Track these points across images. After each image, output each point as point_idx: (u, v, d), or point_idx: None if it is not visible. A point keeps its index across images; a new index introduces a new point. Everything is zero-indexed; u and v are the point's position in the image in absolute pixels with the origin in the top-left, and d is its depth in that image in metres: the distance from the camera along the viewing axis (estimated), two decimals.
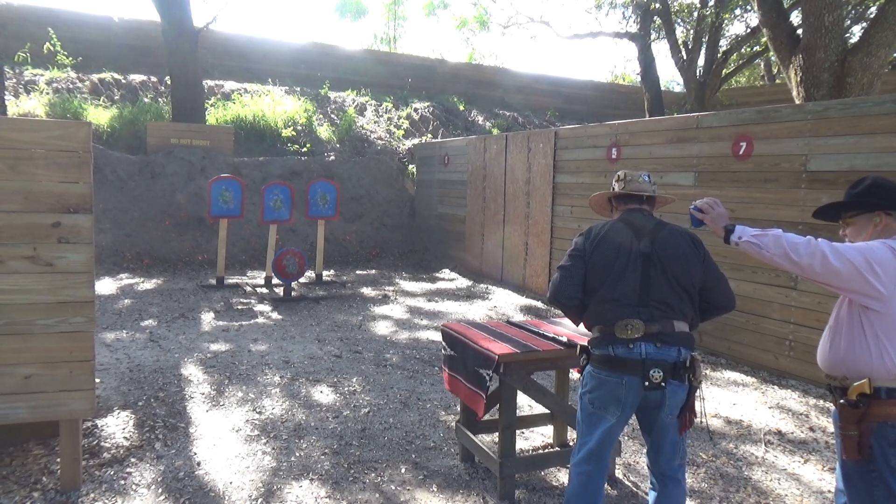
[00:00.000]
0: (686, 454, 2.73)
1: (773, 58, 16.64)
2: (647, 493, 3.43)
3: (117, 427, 4.07)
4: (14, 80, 12.52)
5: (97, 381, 4.72)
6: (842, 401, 2.20)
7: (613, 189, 2.92)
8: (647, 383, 2.53)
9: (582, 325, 2.83)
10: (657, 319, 2.57)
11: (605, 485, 3.58)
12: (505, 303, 8.53)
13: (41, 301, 3.12)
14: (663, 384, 2.53)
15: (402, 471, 3.68)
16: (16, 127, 3.08)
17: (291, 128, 13.51)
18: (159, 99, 13.72)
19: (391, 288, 9.38)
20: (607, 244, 2.70)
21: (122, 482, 3.40)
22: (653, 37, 15.84)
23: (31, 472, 3.43)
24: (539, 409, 4.35)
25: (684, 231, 2.75)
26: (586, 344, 2.77)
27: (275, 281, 8.84)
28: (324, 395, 4.86)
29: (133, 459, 3.66)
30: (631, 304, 2.59)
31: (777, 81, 18.33)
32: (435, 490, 3.47)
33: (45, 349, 3.15)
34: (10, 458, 3.56)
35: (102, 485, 3.36)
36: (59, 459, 3.38)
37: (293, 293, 8.27)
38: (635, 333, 2.55)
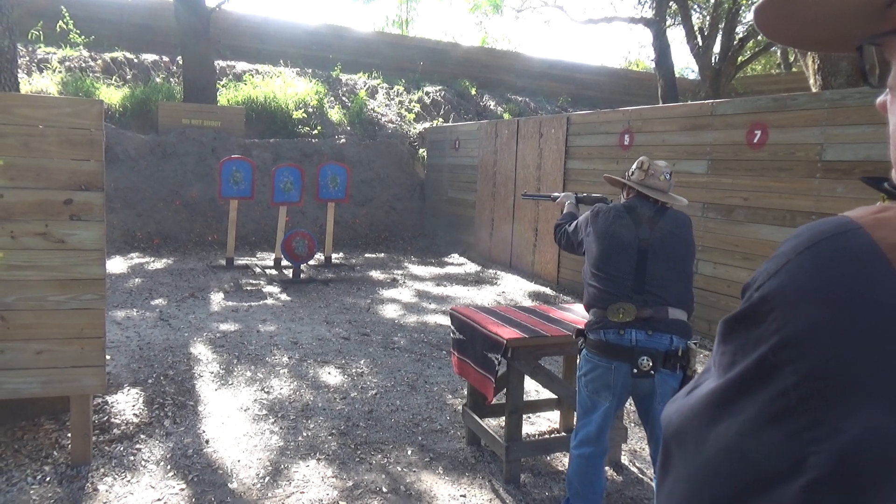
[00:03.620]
0: None
1: None
2: (652, 479, 3.43)
3: (127, 404, 4.11)
4: (27, 58, 12.54)
5: (108, 358, 4.76)
6: None
7: (633, 175, 2.93)
8: (635, 370, 2.56)
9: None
10: (650, 305, 2.62)
11: (610, 469, 3.59)
12: (514, 288, 8.53)
13: (53, 277, 3.15)
14: (652, 372, 2.56)
15: (409, 453, 3.70)
16: (29, 104, 3.08)
17: (302, 110, 13.47)
18: (171, 79, 13.71)
19: (400, 271, 9.39)
20: (607, 229, 2.80)
21: (132, 458, 3.44)
22: (668, 22, 15.62)
23: (42, 447, 3.48)
24: (546, 394, 4.35)
25: (683, 215, 2.84)
26: (584, 328, 2.82)
27: (284, 263, 8.86)
28: (331, 376, 4.89)
29: (142, 436, 3.70)
30: (625, 287, 2.66)
31: (793, 70, 18.08)
32: (441, 472, 3.49)
33: (57, 325, 3.18)
34: (21, 433, 3.61)
35: (112, 460, 3.40)
36: (69, 434, 3.42)
37: (302, 275, 8.29)
38: (627, 317, 2.59)
